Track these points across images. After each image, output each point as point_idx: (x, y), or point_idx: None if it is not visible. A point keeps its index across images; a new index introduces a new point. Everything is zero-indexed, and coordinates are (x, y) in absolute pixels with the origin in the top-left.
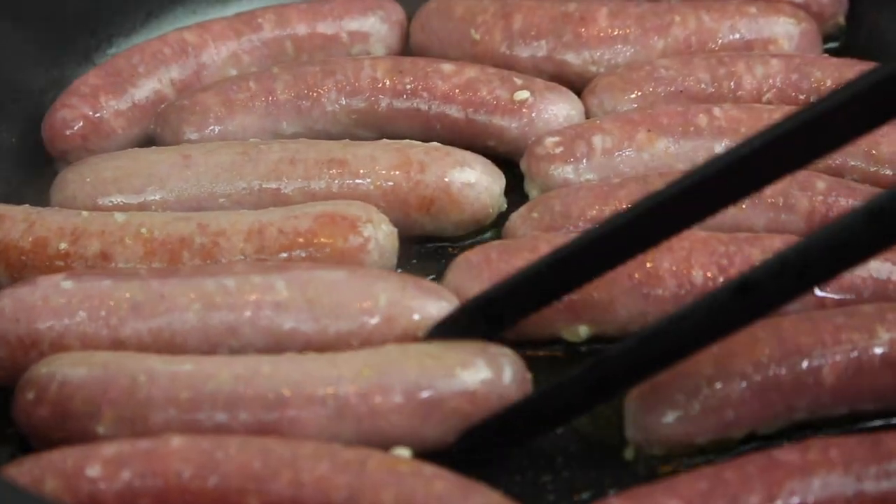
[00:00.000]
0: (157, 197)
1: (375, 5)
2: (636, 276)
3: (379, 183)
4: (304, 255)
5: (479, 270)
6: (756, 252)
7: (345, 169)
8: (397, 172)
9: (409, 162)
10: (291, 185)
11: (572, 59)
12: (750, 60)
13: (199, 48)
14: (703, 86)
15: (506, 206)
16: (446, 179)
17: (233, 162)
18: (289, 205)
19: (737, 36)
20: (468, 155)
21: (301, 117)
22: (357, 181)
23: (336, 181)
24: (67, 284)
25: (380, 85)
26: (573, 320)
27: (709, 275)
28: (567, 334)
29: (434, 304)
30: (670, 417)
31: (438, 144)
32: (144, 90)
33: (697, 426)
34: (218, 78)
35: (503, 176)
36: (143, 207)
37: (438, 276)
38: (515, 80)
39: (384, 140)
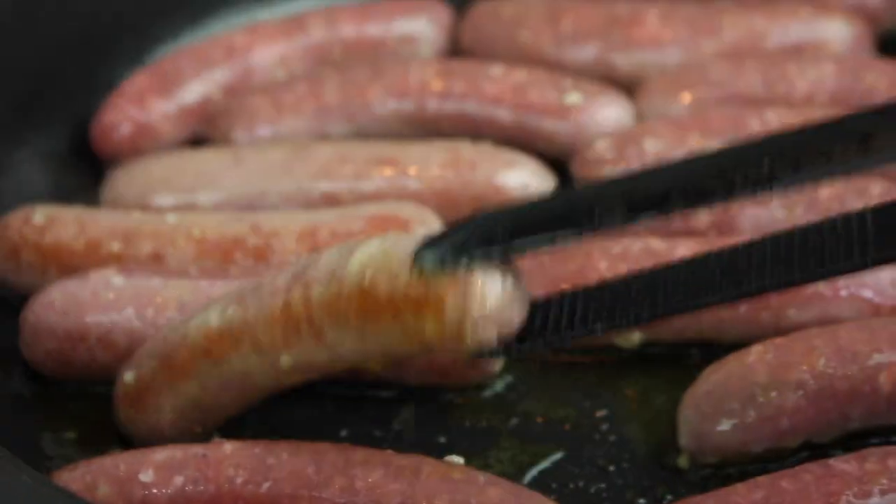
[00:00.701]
0: (208, 195)
1: (423, 7)
2: None
3: (429, 182)
4: None
5: (530, 277)
6: None
7: (395, 167)
8: (448, 171)
9: (460, 160)
10: (341, 184)
11: (622, 61)
12: (802, 63)
13: (247, 50)
14: (754, 89)
15: None
16: (497, 178)
17: (283, 160)
18: (339, 203)
19: (788, 38)
20: (519, 155)
21: (350, 120)
22: (407, 180)
23: (387, 180)
24: (118, 280)
25: (428, 88)
26: None
27: None
28: (620, 340)
29: None
30: (725, 425)
31: (489, 145)
32: (192, 93)
33: (752, 434)
34: (266, 80)
35: (554, 178)
36: (193, 206)
37: None
38: (565, 82)
39: (435, 140)
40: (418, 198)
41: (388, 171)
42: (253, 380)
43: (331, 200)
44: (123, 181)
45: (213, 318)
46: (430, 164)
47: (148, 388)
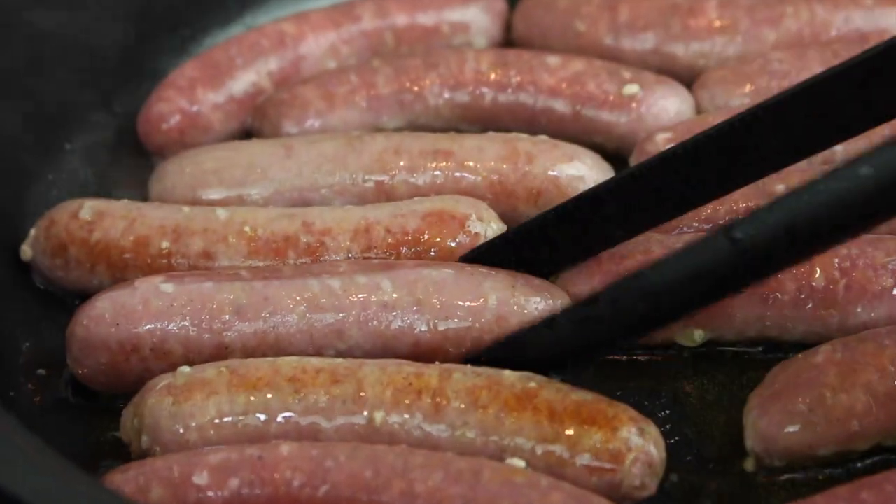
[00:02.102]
0: (258, 188)
1: None
2: None
3: (486, 174)
4: (411, 253)
5: (589, 273)
6: (880, 254)
7: (450, 159)
8: (504, 164)
9: (517, 153)
10: (396, 177)
11: (680, 51)
12: None
13: (298, 39)
14: None
15: None
16: (554, 172)
17: (336, 152)
18: (393, 196)
19: (851, 28)
20: (577, 148)
21: (403, 111)
22: (463, 172)
23: (442, 172)
24: (168, 287)
25: (484, 78)
26: (688, 324)
27: (831, 278)
28: (682, 338)
29: (544, 302)
30: (792, 428)
31: (546, 137)
32: (242, 83)
33: (820, 437)
34: (316, 70)
35: (613, 170)
36: (243, 199)
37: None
38: (624, 73)
39: (491, 132)
40: (475, 190)
41: (443, 164)
42: None
43: (385, 193)
44: (173, 172)
45: (315, 360)
46: (486, 156)
47: (203, 385)
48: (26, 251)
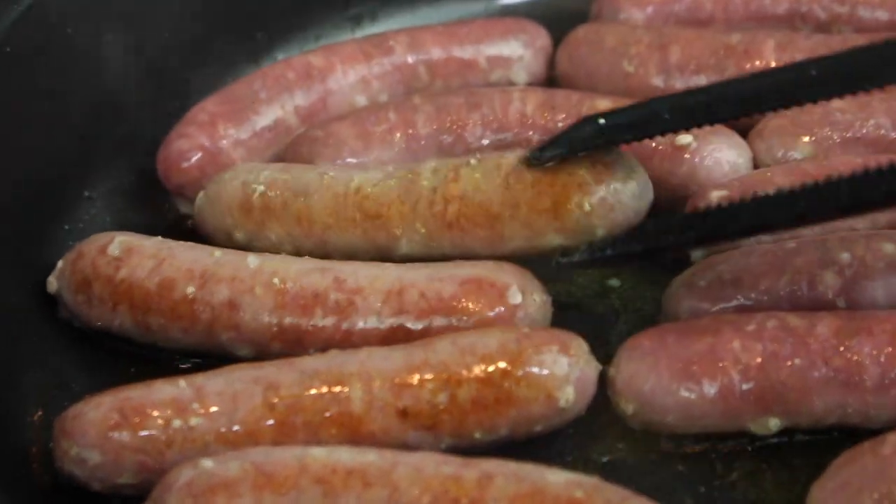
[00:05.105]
0: None
1: (518, 29)
2: (834, 362)
3: None
4: (444, 322)
5: (654, 358)
6: None
7: None
8: None
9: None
10: None
11: None
12: None
13: (326, 72)
14: (883, 131)
15: None
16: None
17: None
18: None
19: None
20: None
21: (442, 153)
22: None
23: None
24: None
25: (529, 121)
26: (762, 412)
27: None
28: (755, 427)
29: None
30: None
31: None
32: (266, 118)
33: None
34: (345, 105)
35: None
36: None
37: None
38: None
39: None
40: None
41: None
42: None
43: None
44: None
45: (345, 456)
46: None
47: (226, 487)
48: (52, 283)
